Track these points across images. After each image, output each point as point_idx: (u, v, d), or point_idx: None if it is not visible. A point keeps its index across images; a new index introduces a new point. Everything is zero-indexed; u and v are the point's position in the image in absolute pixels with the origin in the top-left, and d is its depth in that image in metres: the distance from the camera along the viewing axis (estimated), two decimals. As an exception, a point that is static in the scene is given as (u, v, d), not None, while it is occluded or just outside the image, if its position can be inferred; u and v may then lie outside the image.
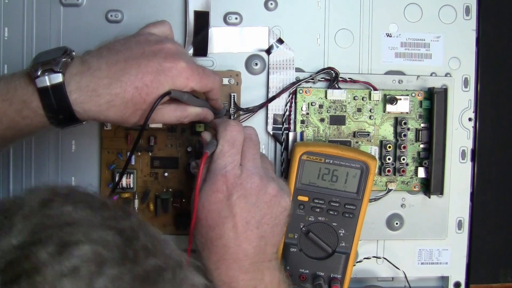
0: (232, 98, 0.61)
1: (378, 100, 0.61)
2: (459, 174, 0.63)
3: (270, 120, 0.61)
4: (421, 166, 0.62)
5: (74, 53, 0.46)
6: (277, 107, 0.61)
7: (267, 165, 0.51)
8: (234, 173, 0.48)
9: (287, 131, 0.61)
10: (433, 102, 0.61)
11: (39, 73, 0.43)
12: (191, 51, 0.61)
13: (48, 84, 0.43)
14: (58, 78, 0.43)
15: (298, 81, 0.61)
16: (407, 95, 0.61)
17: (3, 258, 0.27)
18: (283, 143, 0.61)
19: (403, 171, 0.62)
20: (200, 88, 0.49)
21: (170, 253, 0.33)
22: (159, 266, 0.31)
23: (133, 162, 0.61)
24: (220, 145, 0.49)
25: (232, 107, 0.61)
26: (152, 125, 0.60)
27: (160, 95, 0.46)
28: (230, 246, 0.47)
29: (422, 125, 0.62)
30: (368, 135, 0.62)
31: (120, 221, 0.32)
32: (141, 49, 0.47)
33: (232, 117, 0.61)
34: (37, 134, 0.48)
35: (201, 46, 0.61)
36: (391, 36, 0.63)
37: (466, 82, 0.63)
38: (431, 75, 0.63)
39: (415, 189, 0.63)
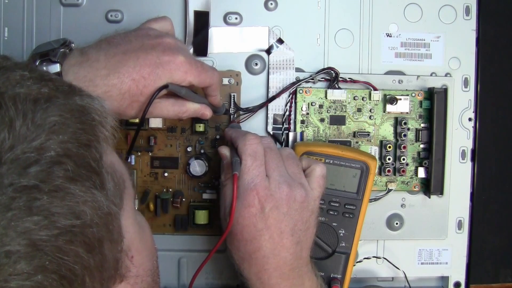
0: (232, 98, 0.61)
1: (378, 100, 0.61)
2: (459, 174, 0.63)
3: (270, 120, 0.61)
4: (421, 166, 0.62)
5: (73, 44, 0.47)
6: (277, 107, 0.61)
7: (293, 169, 0.51)
8: (264, 185, 0.47)
9: (287, 131, 0.61)
10: (433, 102, 0.61)
11: (37, 63, 0.44)
12: (191, 51, 0.61)
13: None
14: (55, 68, 0.44)
15: (298, 81, 0.61)
16: (407, 95, 0.61)
17: None
18: (283, 143, 0.61)
19: (403, 171, 0.61)
20: (198, 83, 0.49)
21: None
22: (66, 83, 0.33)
23: (133, 162, 0.61)
24: (243, 160, 0.49)
25: (232, 107, 0.61)
26: (152, 125, 0.60)
27: (157, 88, 0.46)
28: (269, 257, 0.47)
29: (422, 125, 0.62)
30: (368, 135, 0.62)
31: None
32: (140, 43, 0.47)
33: (232, 117, 0.61)
34: None
35: (201, 46, 0.61)
36: (391, 36, 0.63)
37: (466, 82, 0.63)
38: (431, 75, 0.63)
39: (415, 189, 0.63)
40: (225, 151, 0.52)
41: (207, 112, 0.54)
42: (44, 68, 0.43)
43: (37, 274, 0.25)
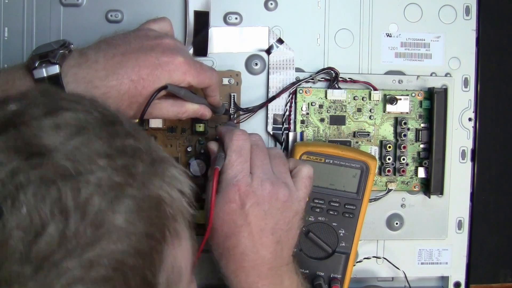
0: (232, 98, 0.61)
1: (378, 100, 0.61)
2: (459, 174, 0.63)
3: (270, 120, 0.61)
4: (421, 166, 0.62)
5: (72, 45, 0.47)
6: (277, 107, 0.61)
7: (279, 168, 0.51)
8: (245, 182, 0.48)
9: (287, 131, 0.61)
10: (433, 102, 0.61)
11: (36, 65, 0.44)
12: (191, 51, 0.61)
13: (45, 75, 0.43)
14: (55, 69, 0.43)
15: (298, 81, 0.61)
16: (407, 95, 0.61)
17: (1, 118, 0.29)
18: (283, 143, 0.61)
19: (403, 171, 0.61)
20: (197, 84, 0.50)
21: (155, 147, 0.33)
22: (137, 147, 0.31)
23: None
24: (228, 155, 0.49)
25: (232, 107, 0.61)
26: (152, 125, 0.60)
27: (156, 89, 0.46)
28: (248, 254, 0.47)
29: (422, 125, 0.62)
30: (368, 135, 0.62)
31: (106, 108, 0.33)
32: (140, 44, 0.47)
33: (232, 117, 0.61)
34: None
35: (201, 46, 0.61)
36: (391, 36, 0.63)
37: (466, 82, 0.63)
38: (431, 75, 0.63)
39: (415, 189, 0.63)
40: (213, 146, 0.53)
41: (207, 113, 0.54)
42: (44, 69, 0.43)
43: None
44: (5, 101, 0.30)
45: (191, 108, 0.52)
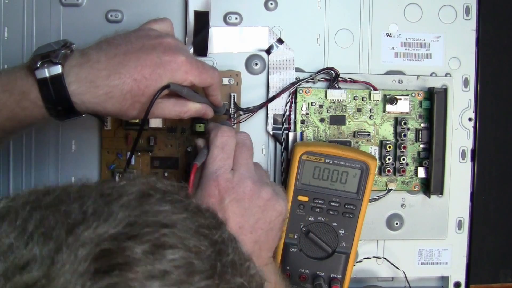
0: (232, 98, 0.61)
1: (378, 100, 0.61)
2: (459, 174, 0.63)
3: (270, 120, 0.61)
4: (421, 166, 0.62)
5: (74, 46, 0.47)
6: (277, 107, 0.61)
7: (261, 172, 0.51)
8: (226, 177, 0.47)
9: (287, 131, 0.61)
10: (433, 102, 0.61)
11: (38, 65, 0.44)
12: (191, 51, 0.61)
13: (47, 75, 0.43)
14: (57, 69, 0.43)
15: (298, 81, 0.61)
16: (407, 95, 0.61)
17: (99, 245, 0.26)
18: (283, 143, 0.61)
19: (403, 171, 0.62)
20: (199, 83, 0.50)
21: (255, 274, 0.32)
22: (243, 285, 0.30)
23: (133, 162, 0.61)
24: (210, 151, 0.49)
25: (232, 107, 0.61)
26: (152, 125, 0.60)
27: (159, 88, 0.46)
28: None
29: (422, 125, 0.62)
30: (368, 135, 0.62)
31: (213, 231, 0.31)
32: (141, 43, 0.47)
33: (232, 117, 0.61)
34: (36, 125, 0.48)
35: (201, 46, 0.61)
36: (391, 36, 0.63)
37: (466, 82, 0.63)
38: (431, 75, 0.63)
39: (415, 189, 0.63)
40: (200, 142, 0.53)
41: (209, 112, 0.54)
42: (46, 69, 0.43)
43: None
44: (105, 213, 0.27)
45: (194, 108, 0.52)
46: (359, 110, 0.62)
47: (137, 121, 0.57)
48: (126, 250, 0.26)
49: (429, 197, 0.62)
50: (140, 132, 0.50)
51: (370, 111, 0.62)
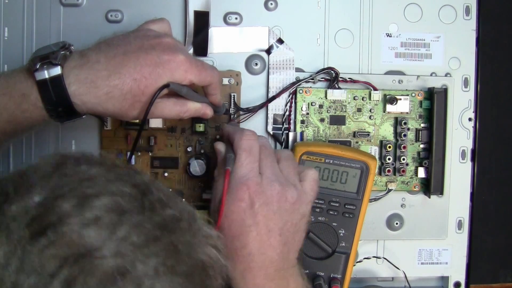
0: (232, 98, 0.61)
1: (378, 100, 0.61)
2: (459, 174, 0.63)
3: (270, 120, 0.61)
4: (421, 166, 0.62)
5: (73, 47, 0.47)
6: (277, 107, 0.61)
7: (289, 170, 0.50)
8: (256, 181, 0.47)
9: (287, 131, 0.61)
10: (433, 102, 0.61)
11: (37, 66, 0.44)
12: (191, 51, 0.61)
13: (47, 76, 0.43)
14: (56, 70, 0.44)
15: (298, 81, 0.61)
16: (407, 95, 0.61)
17: (28, 214, 0.28)
18: (283, 143, 0.61)
19: (403, 171, 0.62)
20: (198, 82, 0.50)
21: (183, 206, 0.35)
22: (175, 216, 0.32)
23: (133, 162, 0.60)
24: (238, 155, 0.48)
25: (232, 107, 0.61)
26: (152, 125, 0.60)
27: (159, 87, 0.46)
28: (255, 255, 0.46)
29: (422, 125, 0.62)
30: (368, 135, 0.62)
31: (133, 177, 0.33)
32: (140, 43, 0.47)
33: (232, 117, 0.61)
34: (37, 128, 0.48)
35: (201, 46, 0.61)
36: (391, 36, 0.63)
37: (466, 82, 0.63)
38: (431, 75, 0.63)
39: (415, 189, 0.63)
40: (220, 146, 0.53)
41: (209, 112, 0.54)
42: (45, 71, 0.43)
43: None
44: (24, 187, 0.30)
45: (193, 107, 0.52)
46: (359, 110, 0.62)
47: (137, 121, 0.57)
48: (55, 208, 0.28)
49: (429, 197, 0.62)
50: (140, 131, 0.50)
51: (370, 111, 0.62)
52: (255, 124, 0.62)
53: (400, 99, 0.61)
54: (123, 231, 0.29)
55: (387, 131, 0.62)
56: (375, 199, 0.62)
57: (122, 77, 0.45)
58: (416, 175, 0.62)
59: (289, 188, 0.48)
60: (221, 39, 0.61)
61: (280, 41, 0.62)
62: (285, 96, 0.61)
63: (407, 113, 0.62)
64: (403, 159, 0.61)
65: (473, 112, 0.63)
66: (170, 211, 0.32)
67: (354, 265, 0.59)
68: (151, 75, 0.46)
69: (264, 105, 0.61)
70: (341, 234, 0.56)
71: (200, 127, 0.60)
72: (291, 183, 0.49)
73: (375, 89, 0.61)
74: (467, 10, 0.63)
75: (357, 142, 0.62)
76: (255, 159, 0.49)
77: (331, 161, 0.56)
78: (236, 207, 0.46)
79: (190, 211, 0.35)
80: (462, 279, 0.64)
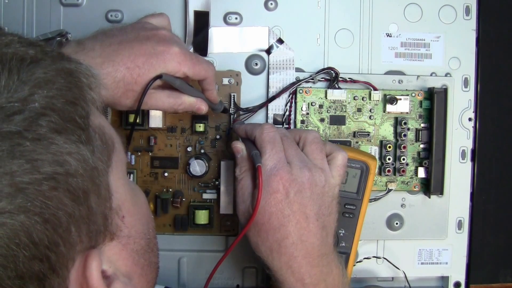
0: (232, 98, 0.61)
1: (378, 100, 0.61)
2: (459, 174, 0.63)
3: (270, 120, 0.61)
4: (421, 166, 0.62)
5: (70, 35, 0.48)
6: (277, 107, 0.61)
7: (315, 154, 0.50)
8: (286, 170, 0.47)
9: (287, 131, 0.61)
10: (433, 102, 0.61)
11: None
12: (191, 51, 0.61)
13: None
14: None
15: (298, 81, 0.61)
16: (407, 95, 0.61)
17: None
18: (283, 143, 0.61)
19: (403, 171, 0.61)
20: (193, 75, 0.50)
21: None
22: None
23: (133, 162, 0.61)
24: (263, 148, 0.48)
25: (232, 107, 0.61)
26: (152, 125, 0.60)
27: (152, 78, 0.47)
28: (297, 243, 0.46)
29: (422, 125, 0.62)
30: (368, 135, 0.62)
31: None
32: (136, 34, 0.48)
33: (232, 117, 0.61)
34: None
35: (201, 46, 0.61)
36: (391, 36, 0.63)
37: (466, 82, 0.63)
38: (431, 75, 0.63)
39: (415, 189, 0.63)
40: (239, 145, 0.52)
41: (203, 107, 0.54)
42: None
43: (19, 213, 0.26)
44: None
45: (187, 101, 0.52)
46: (359, 110, 0.62)
47: (137, 121, 0.57)
48: None
49: (429, 197, 0.62)
50: (135, 121, 0.50)
51: (370, 111, 0.62)
52: (255, 124, 0.61)
53: (400, 99, 0.61)
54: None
55: (387, 131, 0.62)
56: (375, 199, 0.62)
57: (115, 64, 0.46)
58: (416, 175, 0.62)
59: (316, 172, 0.48)
60: (221, 39, 0.61)
61: (280, 41, 0.62)
62: (285, 96, 0.61)
63: (407, 113, 0.62)
64: (403, 159, 0.61)
65: (473, 112, 0.63)
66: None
67: (354, 265, 0.59)
68: (145, 65, 0.47)
69: (264, 105, 0.61)
70: (341, 234, 0.56)
71: (200, 127, 0.60)
72: (318, 167, 0.49)
73: (375, 89, 0.61)
74: (467, 10, 0.63)
75: (357, 142, 0.62)
76: (281, 149, 0.49)
77: (331, 161, 0.56)
78: (272, 199, 0.46)
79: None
80: (462, 279, 0.64)
